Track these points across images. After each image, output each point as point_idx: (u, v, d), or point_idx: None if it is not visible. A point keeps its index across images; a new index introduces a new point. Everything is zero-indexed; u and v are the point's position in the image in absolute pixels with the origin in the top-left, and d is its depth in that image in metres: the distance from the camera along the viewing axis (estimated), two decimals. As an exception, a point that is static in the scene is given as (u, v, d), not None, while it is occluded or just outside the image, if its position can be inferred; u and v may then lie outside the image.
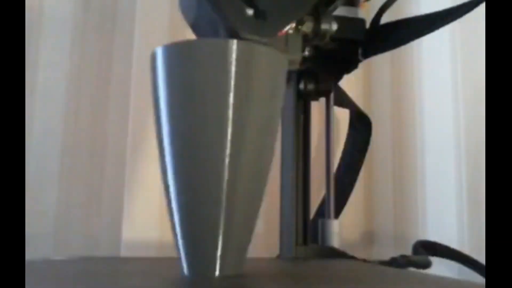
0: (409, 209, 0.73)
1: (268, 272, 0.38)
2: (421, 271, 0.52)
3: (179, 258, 0.32)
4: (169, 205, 0.32)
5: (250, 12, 0.39)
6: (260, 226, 0.72)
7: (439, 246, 0.56)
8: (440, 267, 0.57)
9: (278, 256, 0.53)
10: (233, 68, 0.30)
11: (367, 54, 0.54)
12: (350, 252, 0.53)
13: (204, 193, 0.30)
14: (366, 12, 0.53)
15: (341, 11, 0.50)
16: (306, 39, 0.47)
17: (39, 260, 0.43)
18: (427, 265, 0.51)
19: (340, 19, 0.50)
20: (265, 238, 0.71)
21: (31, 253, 0.67)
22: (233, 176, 0.30)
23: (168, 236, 0.73)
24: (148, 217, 0.69)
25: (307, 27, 0.46)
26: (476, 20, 0.54)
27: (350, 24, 0.51)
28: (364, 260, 0.52)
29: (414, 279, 0.37)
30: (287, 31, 0.44)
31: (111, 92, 0.75)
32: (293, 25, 0.44)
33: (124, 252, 0.67)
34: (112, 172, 0.73)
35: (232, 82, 0.30)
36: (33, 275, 0.33)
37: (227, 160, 0.30)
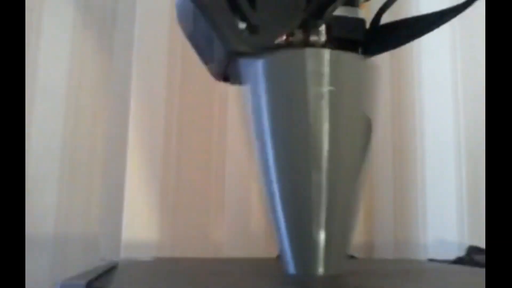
0: (409, 209, 0.73)
1: (368, 271, 0.40)
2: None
3: (283, 258, 0.33)
4: (272, 205, 0.34)
5: (242, 26, 0.41)
6: (260, 226, 0.72)
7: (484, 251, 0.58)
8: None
9: (278, 256, 0.53)
10: (326, 76, 0.34)
11: (367, 54, 0.54)
12: (350, 252, 0.53)
13: (305, 196, 0.32)
14: (366, 12, 0.53)
15: (340, 11, 0.50)
16: None
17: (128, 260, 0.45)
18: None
19: (339, 19, 0.50)
20: (265, 238, 0.71)
21: (31, 253, 0.67)
22: (330, 178, 0.32)
23: (168, 236, 0.74)
24: (148, 217, 0.69)
25: (297, 38, 0.47)
26: (476, 20, 0.54)
27: (350, 24, 0.51)
28: (430, 260, 0.54)
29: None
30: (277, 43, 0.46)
31: (111, 92, 0.75)
32: (284, 37, 0.46)
33: (124, 252, 0.67)
34: (112, 172, 0.73)
35: (325, 88, 0.33)
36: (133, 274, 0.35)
37: (323, 165, 0.32)
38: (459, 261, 0.54)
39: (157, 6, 0.74)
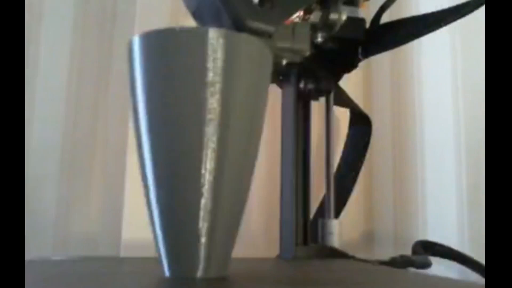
0: (409, 209, 0.73)
1: (255, 273, 0.37)
2: (421, 271, 0.51)
3: (160, 260, 0.30)
4: (148, 203, 0.31)
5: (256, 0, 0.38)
6: (260, 226, 0.72)
7: (438, 246, 0.56)
8: (439, 267, 0.57)
9: (278, 256, 0.53)
10: (211, 58, 0.28)
11: (367, 54, 0.54)
12: (350, 252, 0.53)
13: (185, 192, 0.29)
14: (366, 12, 0.53)
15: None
16: (314, 29, 0.45)
17: (38, 260, 0.43)
18: (427, 265, 0.51)
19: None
20: (265, 238, 0.71)
21: (31, 253, 0.67)
22: (216, 173, 0.29)
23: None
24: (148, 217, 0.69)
25: (315, 16, 0.44)
26: (476, 20, 0.54)
27: (350, 23, 0.50)
28: (364, 260, 0.52)
29: (413, 279, 0.37)
30: (294, 20, 0.43)
31: (111, 92, 0.75)
32: (301, 14, 0.43)
33: (124, 252, 0.67)
34: (112, 172, 0.73)
35: (211, 73, 0.28)
36: (33, 275, 0.33)
37: (208, 157, 0.28)
38: (392, 262, 0.51)
39: (157, 6, 0.74)
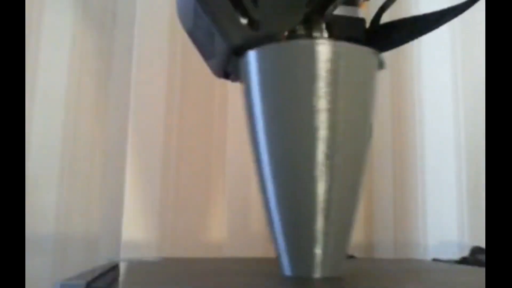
0: (409, 209, 0.73)
1: (366, 273, 0.39)
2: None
3: (280, 260, 0.33)
4: (266, 205, 0.33)
5: (244, 21, 0.40)
6: (260, 226, 0.72)
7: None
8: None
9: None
10: (323, 69, 0.31)
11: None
12: (350, 252, 0.53)
13: (302, 195, 0.31)
14: (366, 12, 0.53)
15: (340, 10, 0.50)
16: None
17: (134, 260, 0.44)
18: None
19: (339, 19, 0.50)
20: (265, 238, 0.71)
21: (31, 253, 0.67)
22: (329, 179, 0.31)
23: (168, 236, 0.74)
24: (148, 217, 0.69)
25: (299, 35, 0.46)
26: (476, 20, 0.54)
27: (350, 23, 0.51)
28: (439, 260, 0.53)
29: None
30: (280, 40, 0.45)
31: (111, 92, 0.75)
32: (286, 33, 0.45)
33: (124, 252, 0.67)
34: (112, 172, 0.73)
35: (322, 83, 0.31)
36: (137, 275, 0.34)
37: (322, 164, 0.31)
38: (463, 261, 0.54)
39: (157, 6, 0.74)
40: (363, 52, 0.33)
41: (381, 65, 0.37)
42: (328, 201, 0.31)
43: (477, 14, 0.49)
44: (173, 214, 0.70)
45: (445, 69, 0.69)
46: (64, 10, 0.75)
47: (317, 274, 0.31)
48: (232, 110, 0.75)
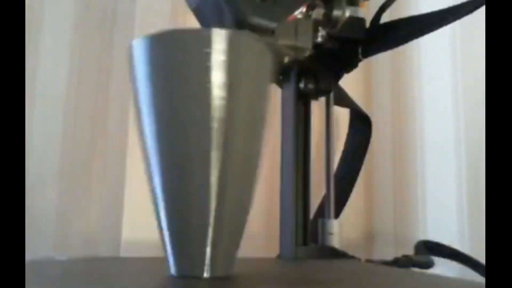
0: (409, 209, 0.73)
1: (260, 273, 0.37)
2: (424, 271, 0.52)
3: (167, 259, 0.31)
4: (154, 203, 0.31)
5: None
6: (260, 226, 0.72)
7: (441, 246, 0.56)
8: (442, 267, 0.57)
9: (278, 256, 0.53)
10: (213, 59, 0.28)
11: (367, 53, 0.54)
12: (350, 252, 0.53)
13: (192, 193, 0.29)
14: (366, 11, 0.53)
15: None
16: (317, 27, 0.44)
17: (42, 260, 0.43)
18: (430, 265, 0.51)
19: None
20: (265, 238, 0.71)
21: (31, 253, 0.67)
22: (221, 174, 0.29)
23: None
24: (148, 217, 0.69)
25: (318, 13, 0.43)
26: (476, 19, 0.54)
27: (350, 23, 0.50)
28: (367, 260, 0.52)
29: (417, 279, 0.37)
30: (296, 16, 0.42)
31: (111, 92, 0.75)
32: (304, 10, 0.42)
33: (124, 252, 0.67)
34: (112, 172, 0.73)
35: (213, 73, 0.28)
36: (35, 275, 0.33)
37: (214, 158, 0.28)
38: (395, 262, 0.52)
39: (157, 6, 0.74)
40: (258, 43, 0.30)
41: None
42: (219, 197, 0.29)
43: (477, 14, 0.49)
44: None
45: (445, 68, 0.69)
46: (64, 10, 0.75)
47: (206, 274, 0.29)
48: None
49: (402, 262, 0.50)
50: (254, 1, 0.37)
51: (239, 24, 0.37)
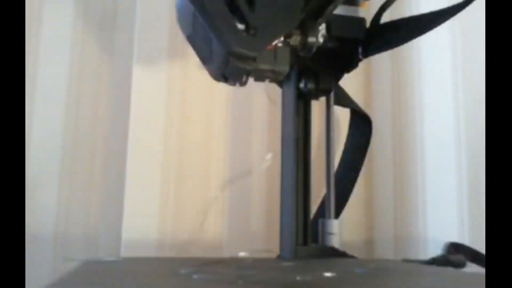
0: (409, 208, 0.73)
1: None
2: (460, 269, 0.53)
3: None
4: None
5: (241, 27, 0.42)
6: (260, 226, 0.72)
7: (467, 249, 0.57)
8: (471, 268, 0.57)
9: (278, 256, 0.53)
10: None
11: (367, 53, 0.54)
12: (350, 252, 0.53)
13: None
14: (366, 11, 0.53)
15: (341, 10, 0.50)
16: (294, 51, 0.49)
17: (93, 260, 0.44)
18: (463, 264, 0.53)
19: (340, 18, 0.50)
20: (265, 238, 0.71)
21: (31, 253, 0.67)
22: None
23: (168, 235, 0.74)
24: (148, 217, 0.69)
25: (295, 40, 0.48)
26: (476, 19, 0.54)
27: (350, 23, 0.51)
28: (404, 260, 0.53)
29: (459, 276, 0.38)
30: (276, 45, 0.47)
31: (111, 92, 0.75)
32: (282, 38, 0.47)
33: (124, 252, 0.67)
34: (112, 172, 0.73)
35: None
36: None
37: None
38: (433, 261, 0.54)
39: (157, 6, 0.74)
40: None
41: None
42: None
43: (477, 14, 0.49)
44: (173, 213, 0.70)
45: (445, 68, 0.69)
46: (64, 10, 0.75)
47: None
48: (232, 109, 0.75)
49: (439, 262, 0.53)
50: (238, 34, 0.42)
51: (225, 52, 0.41)
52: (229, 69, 0.43)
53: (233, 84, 0.46)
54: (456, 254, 0.55)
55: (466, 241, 0.63)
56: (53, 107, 0.73)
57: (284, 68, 0.48)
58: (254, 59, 0.42)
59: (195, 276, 0.32)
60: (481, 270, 0.58)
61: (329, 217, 0.55)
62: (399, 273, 0.39)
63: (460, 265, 0.53)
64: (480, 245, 0.60)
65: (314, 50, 0.49)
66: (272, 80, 0.53)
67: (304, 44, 0.48)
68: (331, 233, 0.54)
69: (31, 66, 0.72)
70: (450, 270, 0.47)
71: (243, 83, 0.46)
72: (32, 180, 0.70)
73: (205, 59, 0.47)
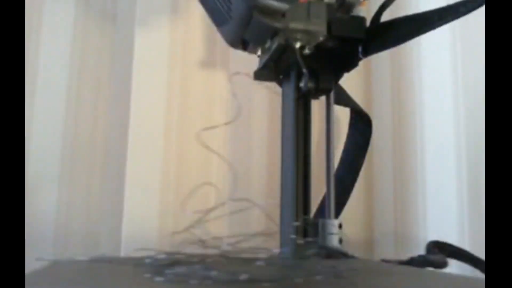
0: (409, 208, 0.73)
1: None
2: (439, 270, 0.52)
3: None
4: None
5: None
6: (261, 224, 0.72)
7: (450, 247, 0.56)
8: (453, 268, 0.57)
9: (278, 256, 0.53)
10: None
11: (368, 52, 0.54)
12: (350, 252, 0.53)
13: None
14: (367, 10, 0.53)
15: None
16: (330, 10, 0.42)
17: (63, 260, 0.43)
18: (444, 265, 0.51)
19: (340, 17, 0.50)
20: (265, 238, 0.71)
21: (31, 253, 0.67)
22: None
23: (168, 234, 0.73)
24: (148, 217, 0.69)
25: None
26: (476, 18, 0.54)
27: (351, 22, 0.51)
28: (383, 260, 0.52)
29: (435, 277, 0.37)
30: None
31: (111, 92, 0.75)
32: None
33: (124, 251, 0.67)
34: (112, 172, 0.73)
35: None
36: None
37: None
38: (409, 261, 0.52)
39: (157, 6, 0.74)
40: None
41: None
42: None
43: (477, 14, 0.49)
44: (173, 213, 0.70)
45: (445, 67, 0.69)
46: (64, 10, 0.75)
47: None
48: (232, 109, 0.75)
49: (417, 262, 0.50)
50: None
51: (248, 7, 0.35)
52: (251, 28, 0.36)
53: (254, 51, 0.39)
54: (438, 253, 0.53)
55: (466, 240, 0.63)
56: (53, 107, 0.73)
57: (320, 28, 0.40)
58: (283, 14, 0.35)
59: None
60: (466, 272, 0.58)
61: (329, 217, 0.54)
62: (369, 273, 0.38)
63: (440, 265, 0.50)
64: (480, 245, 0.60)
65: (353, 10, 0.42)
66: (304, 43, 0.42)
67: (342, 3, 0.41)
68: (331, 233, 0.54)
69: (31, 66, 0.72)
70: (426, 270, 0.45)
71: (265, 50, 0.35)
72: (32, 180, 0.70)
73: (221, 19, 0.39)
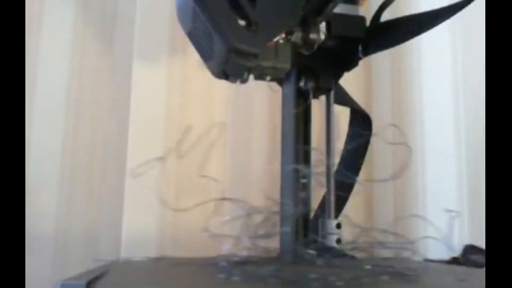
0: (409, 209, 0.73)
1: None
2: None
3: None
4: None
5: (242, 23, 0.41)
6: (261, 225, 0.72)
7: (482, 250, 0.57)
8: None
9: (278, 256, 0.53)
10: None
11: (367, 52, 0.54)
12: (350, 252, 0.53)
13: None
14: (366, 10, 0.53)
15: (341, 8, 0.51)
16: (295, 48, 0.49)
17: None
18: (484, 265, 0.53)
19: (340, 17, 0.50)
20: (265, 238, 0.71)
21: (30, 253, 0.67)
22: None
23: (168, 235, 0.73)
24: (148, 217, 0.69)
25: (296, 37, 0.48)
26: (476, 18, 0.54)
27: (350, 21, 0.51)
28: (426, 260, 0.53)
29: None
30: (277, 41, 0.47)
31: (111, 92, 0.75)
32: (283, 35, 0.47)
33: (124, 252, 0.67)
34: (112, 173, 0.73)
35: None
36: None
37: None
38: (454, 261, 0.54)
39: (157, 6, 0.74)
40: None
41: None
42: None
43: (477, 14, 0.49)
44: (173, 214, 0.70)
45: (445, 69, 0.69)
46: (64, 10, 0.75)
47: None
48: (232, 108, 0.75)
49: (461, 262, 0.53)
50: (240, 30, 0.41)
51: (227, 50, 0.41)
52: (230, 66, 0.43)
53: (234, 81, 0.46)
54: (478, 254, 0.55)
55: (466, 241, 0.63)
56: (53, 107, 0.73)
57: (286, 65, 0.47)
58: (255, 55, 0.42)
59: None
60: None
61: (329, 217, 0.55)
62: (429, 273, 0.39)
63: (481, 264, 0.52)
64: (480, 245, 0.60)
65: (315, 47, 0.49)
66: (273, 78, 0.52)
67: (306, 41, 0.48)
68: (331, 233, 0.54)
69: (31, 66, 0.72)
70: (472, 270, 0.47)
71: (244, 80, 0.45)
72: (32, 180, 0.70)
73: (206, 56, 0.46)
